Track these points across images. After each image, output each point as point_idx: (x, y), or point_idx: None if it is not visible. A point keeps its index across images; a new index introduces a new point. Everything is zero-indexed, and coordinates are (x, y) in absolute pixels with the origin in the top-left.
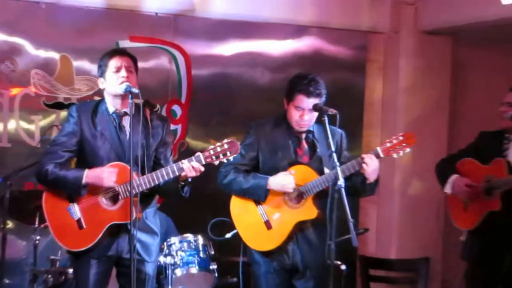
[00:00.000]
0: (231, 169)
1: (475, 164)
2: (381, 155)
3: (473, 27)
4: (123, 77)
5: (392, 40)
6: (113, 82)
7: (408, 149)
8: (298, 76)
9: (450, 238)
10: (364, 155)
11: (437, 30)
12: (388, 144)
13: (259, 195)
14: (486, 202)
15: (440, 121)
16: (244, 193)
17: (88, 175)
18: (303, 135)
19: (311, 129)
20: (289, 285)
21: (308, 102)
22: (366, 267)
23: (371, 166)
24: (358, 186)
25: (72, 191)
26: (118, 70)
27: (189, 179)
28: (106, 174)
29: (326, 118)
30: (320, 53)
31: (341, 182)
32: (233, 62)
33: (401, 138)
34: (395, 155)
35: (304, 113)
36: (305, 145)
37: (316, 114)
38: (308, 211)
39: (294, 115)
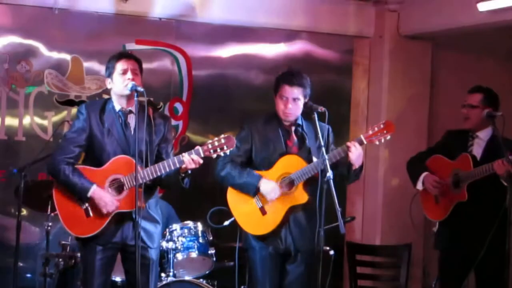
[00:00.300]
0: (228, 162)
1: (443, 160)
2: (364, 142)
3: (451, 32)
4: (128, 79)
5: (376, 44)
6: (120, 84)
7: (389, 136)
8: (283, 72)
9: (428, 227)
10: (348, 143)
11: (417, 35)
12: (370, 132)
13: (249, 192)
14: (455, 195)
15: (420, 119)
16: (237, 187)
17: (95, 193)
18: (293, 128)
19: (300, 122)
20: (282, 269)
21: (291, 91)
22: (353, 252)
23: (355, 152)
24: (345, 174)
25: (77, 197)
26: (124, 72)
27: (189, 172)
28: (109, 202)
29: (315, 115)
30: (310, 56)
31: (330, 173)
32: (230, 63)
33: (382, 126)
34: (377, 142)
35: (288, 102)
36: (294, 137)
37: (300, 105)
38: (299, 196)
39: (280, 105)
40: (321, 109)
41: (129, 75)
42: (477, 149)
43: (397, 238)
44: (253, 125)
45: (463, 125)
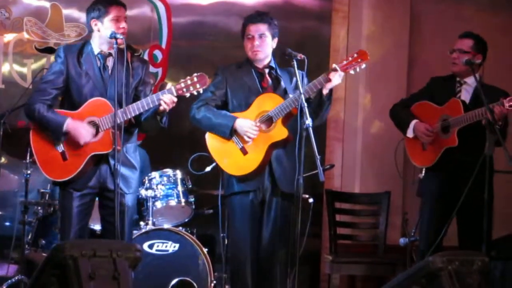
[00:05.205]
0: (203, 105)
1: (430, 106)
2: (339, 71)
3: None
4: (123, 28)
5: None
6: (112, 30)
7: (363, 65)
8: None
9: (408, 175)
10: (331, 72)
11: None
12: (345, 62)
13: (224, 133)
14: (444, 140)
15: (399, 65)
16: (212, 129)
17: (69, 125)
18: (266, 71)
19: (273, 65)
20: (261, 218)
21: (256, 27)
22: (332, 200)
23: (337, 80)
24: (316, 104)
25: (53, 135)
26: (118, 20)
27: (166, 112)
28: (84, 131)
29: (295, 63)
30: (290, 2)
31: (309, 121)
32: (209, 11)
33: (355, 55)
34: (352, 72)
35: (254, 39)
36: (268, 79)
37: (268, 42)
38: (279, 132)
39: (248, 45)
40: (300, 56)
41: (123, 24)
42: (465, 95)
43: (376, 186)
44: (226, 70)
45: (451, 69)
